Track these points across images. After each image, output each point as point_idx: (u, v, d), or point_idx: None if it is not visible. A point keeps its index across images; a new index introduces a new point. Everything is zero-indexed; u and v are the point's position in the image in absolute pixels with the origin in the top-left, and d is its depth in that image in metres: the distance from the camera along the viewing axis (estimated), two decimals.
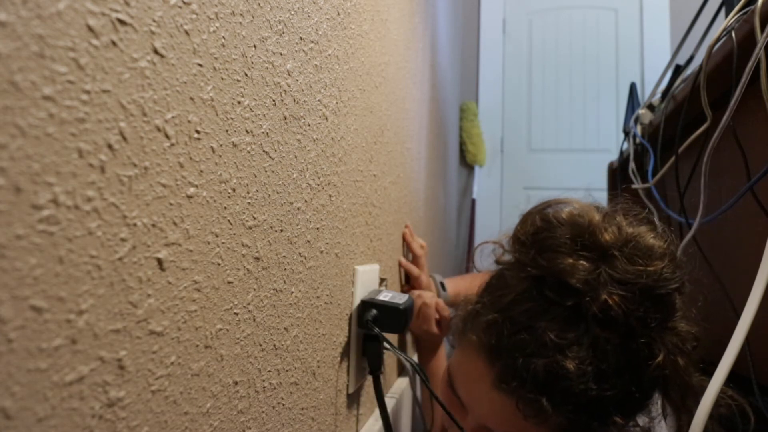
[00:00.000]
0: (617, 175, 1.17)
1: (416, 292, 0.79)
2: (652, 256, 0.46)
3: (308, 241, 0.42)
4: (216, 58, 0.28)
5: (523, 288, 0.48)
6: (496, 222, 2.42)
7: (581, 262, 0.45)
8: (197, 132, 0.26)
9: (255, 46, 0.32)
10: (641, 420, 0.48)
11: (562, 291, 0.45)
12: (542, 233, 0.49)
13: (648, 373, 0.44)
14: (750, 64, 0.43)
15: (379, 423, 0.61)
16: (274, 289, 0.36)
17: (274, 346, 0.36)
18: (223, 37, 0.29)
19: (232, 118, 0.30)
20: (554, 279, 0.46)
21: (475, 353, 0.50)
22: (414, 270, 0.83)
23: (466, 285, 0.93)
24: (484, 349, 0.48)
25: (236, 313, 0.31)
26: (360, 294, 0.57)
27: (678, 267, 0.47)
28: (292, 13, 0.38)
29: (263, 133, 0.34)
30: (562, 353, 0.43)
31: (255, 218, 0.33)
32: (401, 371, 0.88)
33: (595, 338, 0.43)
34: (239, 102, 0.31)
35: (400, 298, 0.58)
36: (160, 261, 0.24)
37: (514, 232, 0.54)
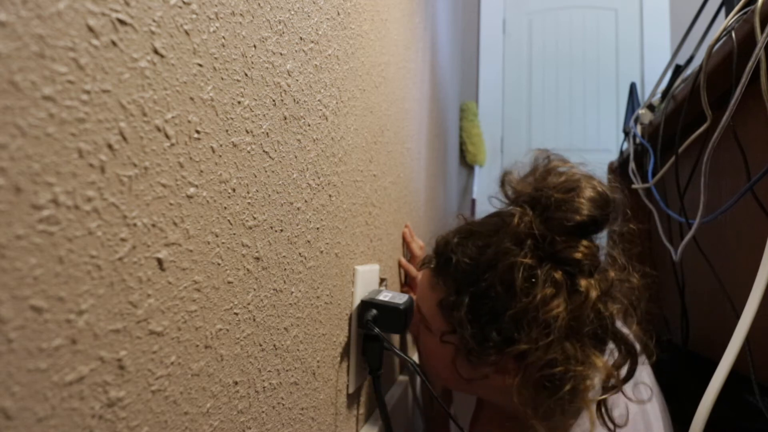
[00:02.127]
0: (617, 174, 1.17)
1: None
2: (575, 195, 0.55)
3: (308, 241, 0.42)
4: (216, 58, 0.28)
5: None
6: None
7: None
8: (197, 132, 0.26)
9: (255, 46, 0.32)
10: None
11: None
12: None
13: (518, 286, 0.50)
14: (750, 64, 0.43)
15: (379, 423, 0.61)
16: (274, 289, 0.36)
17: (274, 346, 0.36)
18: (223, 37, 0.29)
19: (232, 118, 0.30)
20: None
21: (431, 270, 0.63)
22: (412, 270, 0.83)
23: None
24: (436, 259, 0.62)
25: (236, 313, 0.31)
26: (360, 294, 0.57)
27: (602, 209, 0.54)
28: (292, 13, 0.38)
29: (263, 133, 0.34)
30: (460, 244, 0.59)
31: (255, 218, 0.33)
32: (401, 371, 0.88)
33: (492, 244, 0.55)
34: (239, 102, 0.31)
35: (400, 298, 0.58)
36: (160, 261, 0.24)
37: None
